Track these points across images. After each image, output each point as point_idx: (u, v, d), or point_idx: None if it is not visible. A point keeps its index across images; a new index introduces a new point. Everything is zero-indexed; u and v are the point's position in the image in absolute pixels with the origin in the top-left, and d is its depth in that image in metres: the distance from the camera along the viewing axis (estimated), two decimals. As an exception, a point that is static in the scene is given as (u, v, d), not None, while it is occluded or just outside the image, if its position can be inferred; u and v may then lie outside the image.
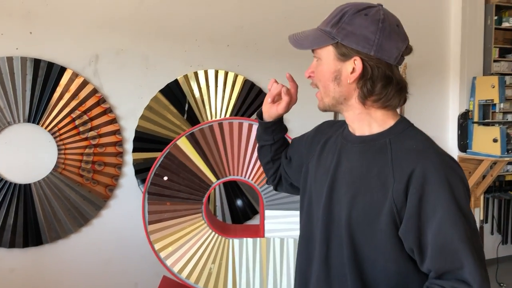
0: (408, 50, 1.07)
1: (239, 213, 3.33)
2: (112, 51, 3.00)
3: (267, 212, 2.17)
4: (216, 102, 3.26)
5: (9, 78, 2.77)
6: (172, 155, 2.15)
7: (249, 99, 3.32)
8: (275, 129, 1.33)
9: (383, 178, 1.01)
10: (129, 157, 3.07)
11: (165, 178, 2.15)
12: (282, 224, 2.17)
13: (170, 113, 3.15)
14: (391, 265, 1.03)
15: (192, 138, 2.14)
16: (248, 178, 2.18)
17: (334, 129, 1.23)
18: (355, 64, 1.03)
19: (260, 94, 3.35)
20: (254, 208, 3.38)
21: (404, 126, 1.08)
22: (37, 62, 2.83)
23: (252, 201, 3.36)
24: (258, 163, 2.18)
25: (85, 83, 2.94)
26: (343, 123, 1.20)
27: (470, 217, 0.99)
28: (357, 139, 1.11)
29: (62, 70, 2.88)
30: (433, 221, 0.97)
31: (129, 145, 3.08)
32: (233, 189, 3.30)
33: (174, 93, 3.15)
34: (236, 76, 3.28)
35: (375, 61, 1.03)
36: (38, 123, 2.84)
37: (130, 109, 3.07)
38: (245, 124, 2.16)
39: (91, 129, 2.96)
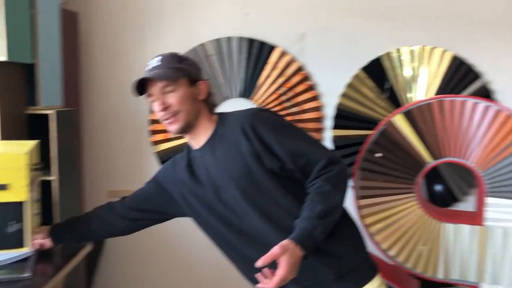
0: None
1: (437, 199, 3.16)
2: (318, 29, 3.09)
3: (490, 200, 2.00)
4: (420, 81, 3.11)
5: (227, 57, 3.07)
6: (387, 132, 2.13)
7: (457, 77, 3.08)
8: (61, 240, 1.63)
9: (233, 149, 1.40)
10: (328, 134, 3.15)
11: (378, 154, 2.14)
12: (507, 214, 1.98)
13: (372, 91, 3.11)
14: (279, 194, 1.37)
15: (409, 116, 2.08)
16: (468, 160, 2.03)
17: (185, 158, 1.55)
18: (203, 86, 1.48)
19: (469, 73, 3.08)
20: (453, 196, 3.17)
21: (221, 116, 1.50)
22: (251, 41, 3.07)
23: (453, 188, 3.15)
24: (482, 145, 2.01)
25: (291, 61, 3.08)
26: (185, 152, 1.57)
27: (291, 125, 1.44)
28: (204, 147, 1.47)
29: (272, 48, 3.07)
30: (272, 142, 1.36)
31: (329, 122, 3.15)
32: (432, 173, 3.14)
33: (375, 71, 3.10)
34: (443, 53, 3.07)
35: (206, 82, 1.49)
36: (249, 98, 3.10)
37: (331, 87, 3.13)
38: (469, 102, 2.01)
39: (295, 105, 3.11)
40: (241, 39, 3.06)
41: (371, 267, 1.45)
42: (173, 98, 1.39)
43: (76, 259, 1.61)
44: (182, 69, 1.41)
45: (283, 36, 3.08)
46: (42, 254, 1.62)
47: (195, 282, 3.19)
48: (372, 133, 2.18)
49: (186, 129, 1.43)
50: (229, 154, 1.41)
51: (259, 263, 1.21)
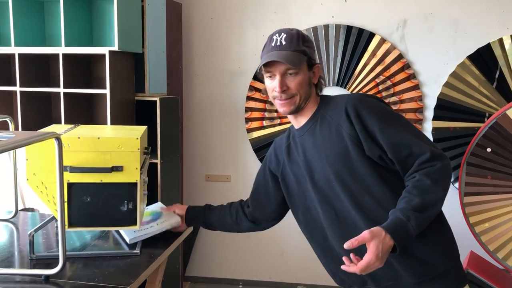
0: None
1: None
2: (420, 16, 2.93)
3: None
4: None
5: (324, 44, 3.03)
6: (499, 125, 1.97)
7: None
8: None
9: (333, 130, 1.38)
10: (428, 125, 3.00)
11: (489, 149, 1.99)
12: None
13: (478, 80, 2.90)
14: (374, 183, 1.33)
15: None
16: None
17: (285, 139, 1.56)
18: (317, 69, 1.46)
19: None
20: None
21: (324, 97, 1.49)
22: (349, 28, 2.99)
23: None
24: None
25: (391, 48, 2.96)
26: (286, 133, 1.58)
27: (397, 115, 1.39)
28: (304, 127, 1.47)
29: (371, 36, 2.98)
30: (375, 129, 1.32)
31: (429, 112, 2.99)
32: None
33: (484, 58, 2.88)
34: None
35: (319, 66, 1.48)
36: (345, 87, 3.04)
37: (433, 76, 2.96)
38: None
39: (393, 95, 3.00)
40: (338, 26, 3.00)
41: (459, 277, 1.36)
42: (293, 82, 1.39)
43: (178, 241, 1.70)
44: (305, 53, 1.41)
45: (383, 23, 2.97)
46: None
47: (284, 268, 3.23)
48: (482, 126, 2.03)
49: (296, 111, 1.44)
50: (328, 135, 1.39)
51: (346, 244, 1.18)
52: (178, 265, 2.95)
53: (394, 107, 2.98)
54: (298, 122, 1.49)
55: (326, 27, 3.01)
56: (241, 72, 3.14)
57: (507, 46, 2.84)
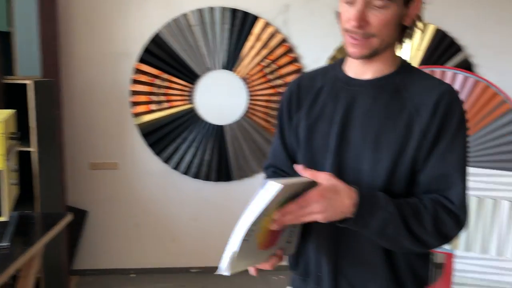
0: None
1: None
2: (302, 0, 3.05)
3: (472, 170, 2.04)
4: (404, 52, 3.12)
5: (210, 27, 3.03)
6: None
7: (440, 50, 3.10)
8: None
9: (405, 116, 1.03)
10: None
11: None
12: (481, 183, 2.03)
13: (354, 63, 3.11)
14: (404, 188, 1.04)
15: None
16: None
17: (320, 79, 1.17)
18: (416, 6, 1.05)
19: (452, 46, 3.10)
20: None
21: (408, 66, 1.11)
22: (234, 12, 3.02)
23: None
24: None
25: (275, 32, 3.06)
26: (324, 70, 1.19)
27: (467, 146, 1.05)
28: (367, 84, 1.09)
29: (256, 19, 3.04)
30: (443, 140, 1.01)
31: (311, 95, 3.15)
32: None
33: (359, 43, 3.09)
34: (426, 25, 3.07)
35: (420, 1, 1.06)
36: (232, 70, 3.08)
37: (315, 59, 3.11)
38: (449, 73, 2.03)
39: (278, 78, 3.10)
40: (224, 9, 3.01)
41: None
42: (376, 18, 1.01)
43: (55, 230, 1.61)
44: None
45: (267, 7, 3.05)
46: (21, 224, 1.62)
47: (176, 253, 3.22)
48: None
49: (368, 57, 1.06)
50: (395, 115, 1.04)
51: (299, 168, 0.97)
52: (64, 258, 2.78)
53: (279, 90, 3.09)
54: (358, 69, 1.11)
55: (212, 9, 3.01)
56: (126, 54, 3.02)
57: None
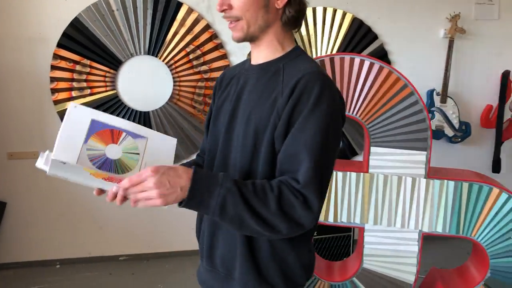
0: None
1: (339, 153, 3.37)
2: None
3: (373, 149, 2.19)
4: (323, 40, 3.24)
5: (132, 12, 2.99)
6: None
7: (357, 37, 3.25)
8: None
9: (274, 97, 1.07)
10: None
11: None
12: (387, 161, 2.18)
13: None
14: (266, 168, 1.06)
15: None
16: (356, 114, 2.19)
17: (238, 69, 1.26)
18: None
19: (368, 33, 3.26)
20: (353, 150, 3.40)
21: (298, 53, 1.14)
22: (157, -3, 3.00)
23: (351, 142, 3.38)
24: (367, 99, 2.18)
25: (199, 18, 3.07)
26: (242, 63, 1.26)
27: (330, 135, 1.01)
28: (256, 67, 1.15)
29: (179, 5, 3.03)
30: (297, 129, 1.01)
31: (236, 81, 3.20)
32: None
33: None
34: (344, 14, 3.22)
35: None
36: (156, 56, 3.06)
37: (239, 46, 3.15)
38: (357, 60, 2.15)
39: (203, 64, 3.12)
40: (146, -6, 2.98)
41: None
42: (237, 0, 1.06)
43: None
44: None
45: (190, -7, 3.05)
46: None
47: (104, 242, 3.18)
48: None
49: (248, 40, 1.12)
50: (266, 95, 1.09)
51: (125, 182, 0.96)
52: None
53: (205, 76, 3.12)
54: (254, 56, 1.17)
55: (134, -6, 2.97)
56: (43, 39, 2.91)
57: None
